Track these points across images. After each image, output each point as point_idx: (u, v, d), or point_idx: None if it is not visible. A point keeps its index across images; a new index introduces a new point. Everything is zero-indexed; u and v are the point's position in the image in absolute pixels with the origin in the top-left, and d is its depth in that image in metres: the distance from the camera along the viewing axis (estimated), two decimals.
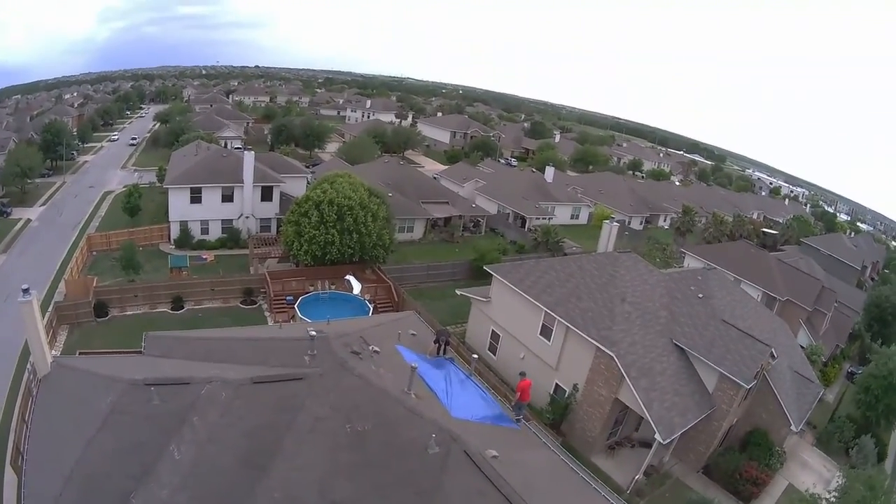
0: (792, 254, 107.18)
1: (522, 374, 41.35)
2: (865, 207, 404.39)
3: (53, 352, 35.51)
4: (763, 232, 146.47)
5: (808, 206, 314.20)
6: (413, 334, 45.03)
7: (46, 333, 45.43)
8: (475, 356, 45.55)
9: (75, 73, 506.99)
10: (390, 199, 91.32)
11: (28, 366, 56.81)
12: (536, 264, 65.17)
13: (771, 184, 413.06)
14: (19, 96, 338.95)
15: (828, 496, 44.61)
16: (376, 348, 36.95)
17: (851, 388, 73.68)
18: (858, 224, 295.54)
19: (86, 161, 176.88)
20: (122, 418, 28.33)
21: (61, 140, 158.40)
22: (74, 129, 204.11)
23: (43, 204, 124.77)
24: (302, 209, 79.77)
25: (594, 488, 34.18)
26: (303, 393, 30.22)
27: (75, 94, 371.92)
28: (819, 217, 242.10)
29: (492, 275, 65.38)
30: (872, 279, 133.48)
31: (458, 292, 72.01)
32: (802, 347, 73.27)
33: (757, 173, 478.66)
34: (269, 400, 29.75)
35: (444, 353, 43.19)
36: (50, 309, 66.38)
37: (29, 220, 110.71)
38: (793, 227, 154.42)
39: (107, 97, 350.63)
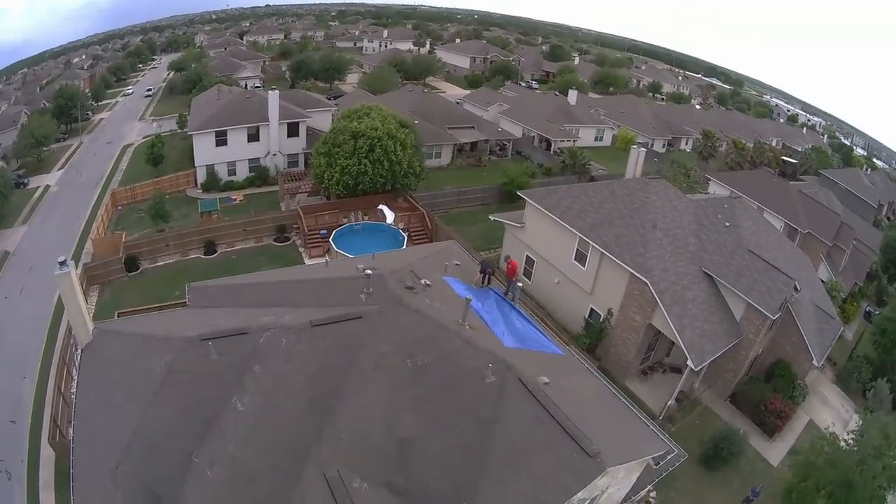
0: (811, 185, 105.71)
1: (508, 258, 49.93)
2: (882, 144, 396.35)
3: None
4: (783, 160, 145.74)
5: (826, 136, 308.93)
6: (457, 264, 45.69)
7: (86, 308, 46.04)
8: (519, 285, 46.54)
9: (81, 37, 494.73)
10: (417, 127, 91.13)
11: (60, 334, 57.91)
12: (569, 189, 65.13)
13: (789, 111, 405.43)
14: (25, 70, 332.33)
15: (847, 437, 45.32)
16: (428, 282, 37.58)
17: (869, 328, 72.91)
18: (875, 160, 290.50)
19: (101, 119, 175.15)
20: (180, 378, 28.50)
21: (75, 103, 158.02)
22: (87, 90, 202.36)
23: (61, 168, 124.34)
24: (335, 140, 79.74)
25: (636, 414, 35.44)
26: (363, 331, 30.82)
27: (83, 56, 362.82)
28: (836, 149, 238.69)
29: (524, 200, 65.57)
30: (889, 219, 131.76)
31: (491, 217, 71.83)
32: (823, 282, 73.15)
33: (775, 100, 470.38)
34: (330, 341, 30.28)
35: (489, 283, 44.06)
36: (79, 271, 64.17)
37: (48, 187, 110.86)
38: (812, 158, 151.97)
39: (117, 55, 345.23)
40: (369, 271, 34.55)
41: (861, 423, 46.44)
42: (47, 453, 44.99)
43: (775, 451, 51.85)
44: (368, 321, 31.59)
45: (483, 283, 43.46)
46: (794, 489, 42.01)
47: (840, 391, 62.98)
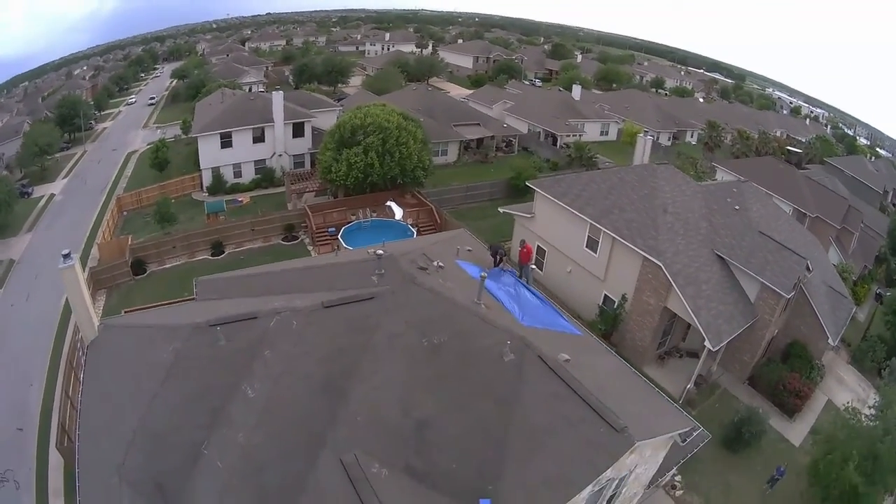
0: (817, 173, 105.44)
1: (523, 242, 48.18)
2: (884, 134, 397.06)
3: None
4: (787, 150, 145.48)
5: (829, 127, 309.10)
6: (469, 250, 45.05)
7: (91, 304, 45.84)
8: (533, 267, 46.09)
9: (82, 48, 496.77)
10: (422, 124, 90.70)
11: (67, 340, 57.87)
12: (577, 178, 65.04)
13: (791, 103, 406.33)
14: (27, 83, 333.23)
15: (868, 412, 45.09)
16: (440, 263, 37.02)
17: (881, 309, 73.20)
18: (878, 149, 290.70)
19: (105, 127, 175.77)
20: (187, 365, 27.86)
21: (77, 112, 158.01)
22: (90, 100, 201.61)
23: (65, 176, 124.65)
24: (340, 134, 79.43)
25: (658, 392, 34.68)
26: (376, 311, 30.12)
27: (85, 67, 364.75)
28: (839, 139, 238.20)
29: (533, 191, 65.51)
30: (894, 205, 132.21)
31: (500, 210, 71.94)
32: (833, 265, 72.76)
33: (777, 93, 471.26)
34: (342, 323, 29.60)
35: (501, 265, 43.47)
36: (86, 275, 63.85)
37: (52, 195, 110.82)
38: (816, 147, 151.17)
39: (119, 65, 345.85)
40: (381, 251, 33.92)
41: (881, 398, 46.21)
42: (56, 460, 44.48)
43: (796, 432, 51.53)
44: (381, 301, 30.88)
45: (496, 265, 42.85)
46: (821, 462, 41.45)
47: (856, 371, 62.80)
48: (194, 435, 24.98)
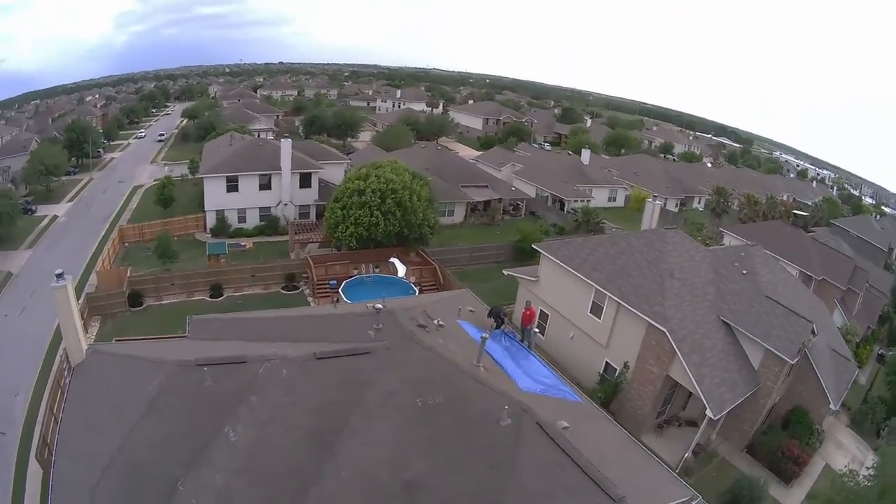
0: (823, 234, 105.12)
1: (528, 304, 47.39)
2: (889, 191, 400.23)
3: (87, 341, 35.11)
4: (794, 213, 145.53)
5: (835, 188, 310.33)
6: (471, 311, 44.38)
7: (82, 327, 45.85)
8: (535, 331, 45.68)
9: (94, 76, 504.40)
10: (430, 183, 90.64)
11: (58, 357, 57.18)
12: (585, 241, 64.62)
13: (798, 166, 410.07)
14: (38, 101, 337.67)
15: (865, 473, 44.42)
16: (441, 322, 36.30)
17: (883, 369, 72.68)
18: (883, 207, 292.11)
19: (113, 158, 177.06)
20: (170, 401, 27.53)
21: (86, 138, 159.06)
22: (100, 128, 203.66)
23: (70, 200, 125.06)
24: (347, 195, 79.27)
25: (657, 461, 33.71)
26: (371, 367, 29.46)
27: (97, 95, 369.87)
28: (845, 200, 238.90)
29: (538, 255, 64.84)
30: None
31: (505, 272, 71.32)
32: (838, 328, 72.12)
33: (784, 156, 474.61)
34: (334, 376, 28.97)
35: (503, 328, 42.64)
36: (81, 300, 65.28)
37: (56, 217, 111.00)
38: (823, 209, 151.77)
39: (130, 97, 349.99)
40: (379, 305, 33.35)
41: (879, 458, 45.78)
42: (35, 468, 44.35)
43: (793, 498, 50.45)
44: (377, 357, 30.35)
45: (497, 327, 42.04)
46: None
47: (854, 434, 61.93)
48: (171, 470, 24.62)
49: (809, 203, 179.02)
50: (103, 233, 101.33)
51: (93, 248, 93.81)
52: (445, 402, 28.73)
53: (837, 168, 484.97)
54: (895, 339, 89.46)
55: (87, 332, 61.09)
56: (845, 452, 58.20)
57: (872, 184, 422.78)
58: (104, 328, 65.61)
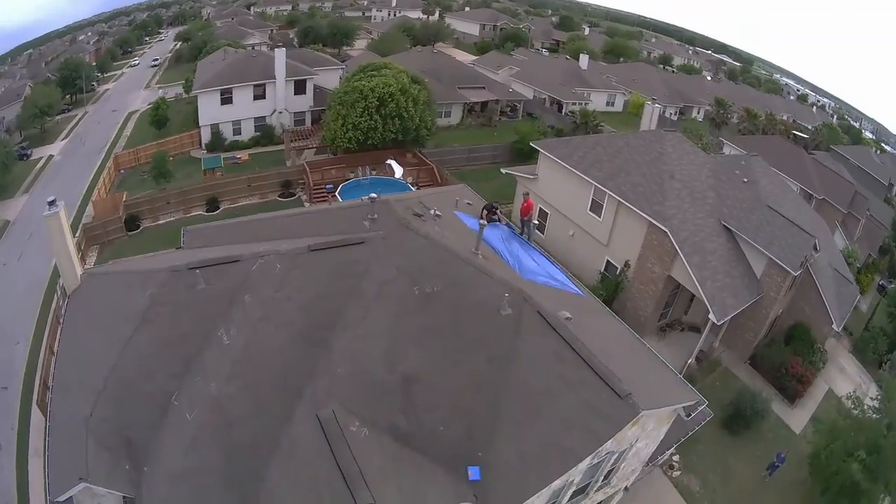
0: (824, 157, 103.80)
1: (526, 195, 46.14)
2: (890, 131, 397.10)
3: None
4: (794, 134, 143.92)
5: (835, 117, 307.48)
6: (469, 203, 43.24)
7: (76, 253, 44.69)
8: (534, 222, 44.57)
9: (87, 16, 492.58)
10: (427, 85, 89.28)
11: (56, 295, 56.99)
12: (583, 140, 63.39)
13: (798, 91, 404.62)
14: (31, 50, 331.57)
15: (869, 403, 43.37)
16: (438, 212, 35.32)
17: (884, 302, 72.06)
18: (883, 145, 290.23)
19: (107, 89, 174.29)
20: (162, 310, 26.75)
21: (80, 74, 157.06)
22: (93, 63, 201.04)
23: (65, 138, 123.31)
24: (348, 98, 77.92)
25: (663, 362, 32.39)
26: (365, 257, 28.50)
27: (90, 34, 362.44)
28: (845, 130, 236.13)
29: (536, 156, 63.71)
30: None
31: (503, 171, 70.12)
32: (839, 250, 71.32)
33: (784, 79, 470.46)
34: (328, 268, 28.13)
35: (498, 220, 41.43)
36: (78, 232, 65.50)
37: (51, 157, 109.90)
38: (823, 133, 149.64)
39: (123, 30, 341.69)
40: (374, 195, 32.27)
41: (883, 391, 44.62)
42: (38, 419, 43.41)
43: (797, 418, 49.95)
44: (371, 246, 29.12)
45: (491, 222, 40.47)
46: (823, 452, 39.84)
47: (857, 361, 61.32)
48: (165, 384, 24.13)
49: (809, 126, 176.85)
50: (99, 163, 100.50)
51: (88, 180, 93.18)
52: (443, 291, 27.71)
53: (839, 99, 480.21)
54: None
55: (84, 263, 60.19)
56: (848, 379, 57.72)
57: (873, 120, 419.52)
58: (102, 255, 65.53)
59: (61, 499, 21.28)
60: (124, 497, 22.08)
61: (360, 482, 19.84)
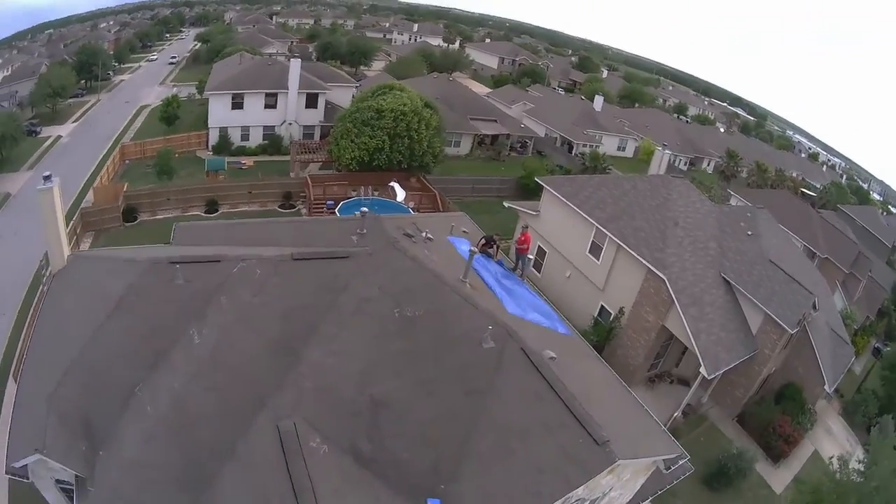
0: (830, 216, 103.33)
1: (525, 228, 46.91)
2: None
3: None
4: (802, 191, 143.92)
5: (844, 177, 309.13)
6: (465, 231, 42.69)
7: (69, 239, 44.07)
8: (530, 257, 44.05)
9: (110, 4, 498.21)
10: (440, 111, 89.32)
11: (44, 272, 56.09)
12: (589, 180, 62.70)
13: (810, 149, 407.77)
14: (52, 30, 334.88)
15: (855, 466, 42.63)
16: (430, 235, 34.72)
17: (878, 365, 71.35)
18: (890, 207, 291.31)
19: (122, 80, 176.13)
20: (137, 301, 26.36)
21: (96, 60, 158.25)
22: (111, 51, 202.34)
23: (75, 121, 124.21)
24: (360, 116, 77.84)
25: (647, 412, 31.48)
26: (348, 272, 27.90)
27: (112, 22, 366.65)
28: (853, 191, 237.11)
29: (541, 189, 62.84)
30: None
31: (506, 205, 69.24)
32: (837, 310, 70.36)
33: (797, 136, 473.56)
34: (309, 279, 27.53)
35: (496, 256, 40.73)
36: (75, 216, 65.88)
37: (59, 137, 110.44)
38: (831, 192, 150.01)
39: (145, 23, 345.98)
40: (365, 209, 31.95)
41: (870, 455, 43.93)
42: (12, 390, 42.35)
43: (779, 479, 48.91)
44: (356, 261, 28.69)
45: (486, 251, 39.78)
46: None
47: (845, 424, 60.61)
48: (131, 374, 23.73)
49: (818, 185, 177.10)
50: (105, 151, 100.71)
51: (93, 166, 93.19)
52: (425, 316, 26.94)
53: (849, 159, 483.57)
54: (893, 336, 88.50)
55: (78, 247, 60.92)
56: (835, 441, 56.96)
57: (882, 182, 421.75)
58: (96, 242, 65.62)
59: (17, 464, 21.85)
60: (77, 475, 21.72)
61: (311, 499, 19.16)
